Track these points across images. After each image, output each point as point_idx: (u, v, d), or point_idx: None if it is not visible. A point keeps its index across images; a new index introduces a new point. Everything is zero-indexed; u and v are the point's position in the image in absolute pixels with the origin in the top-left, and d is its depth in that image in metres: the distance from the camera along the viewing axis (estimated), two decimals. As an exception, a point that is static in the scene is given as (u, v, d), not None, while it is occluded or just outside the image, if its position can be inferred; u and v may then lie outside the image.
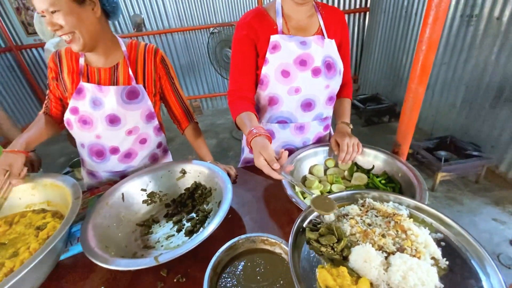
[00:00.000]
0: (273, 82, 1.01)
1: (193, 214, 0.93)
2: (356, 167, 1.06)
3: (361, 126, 3.79)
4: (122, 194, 0.95)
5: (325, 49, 1.01)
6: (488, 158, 2.39)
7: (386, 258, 0.58)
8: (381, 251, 0.59)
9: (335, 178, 1.00)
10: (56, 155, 3.92)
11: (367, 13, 4.46)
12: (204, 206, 0.94)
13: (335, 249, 0.59)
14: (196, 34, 4.44)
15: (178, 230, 0.88)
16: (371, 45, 4.39)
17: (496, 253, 1.85)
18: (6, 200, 0.93)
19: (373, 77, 4.45)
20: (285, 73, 0.99)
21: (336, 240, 0.60)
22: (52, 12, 0.82)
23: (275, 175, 0.75)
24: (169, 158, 1.29)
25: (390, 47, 3.91)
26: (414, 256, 0.57)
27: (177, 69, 4.68)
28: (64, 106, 1.10)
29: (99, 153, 1.10)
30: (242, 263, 0.69)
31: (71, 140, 2.07)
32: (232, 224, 0.89)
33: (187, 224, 0.89)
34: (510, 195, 2.34)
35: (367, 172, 1.04)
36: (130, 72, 1.02)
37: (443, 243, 0.64)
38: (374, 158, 1.05)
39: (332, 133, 1.25)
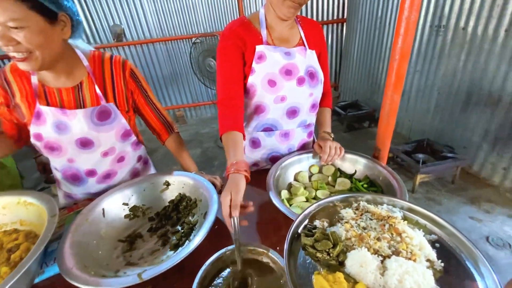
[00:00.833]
0: (260, 91, 1.03)
1: (178, 227, 0.91)
2: (339, 172, 1.08)
3: (343, 132, 3.89)
4: (103, 209, 0.91)
5: (307, 59, 1.05)
6: (462, 159, 2.52)
7: (382, 262, 0.58)
8: (376, 255, 0.59)
9: (319, 184, 1.02)
10: (29, 169, 3.71)
11: (344, 23, 4.66)
12: (190, 218, 0.92)
13: (331, 255, 0.59)
14: (178, 44, 4.42)
15: (163, 244, 0.85)
16: (349, 54, 4.57)
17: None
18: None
19: (352, 84, 4.61)
20: (272, 83, 1.01)
21: (332, 245, 0.60)
22: (15, 28, 0.71)
23: (227, 220, 0.72)
24: (151, 170, 1.26)
25: (367, 56, 4.09)
26: (409, 259, 0.57)
27: (159, 79, 4.63)
28: (21, 127, 0.97)
29: (75, 177, 1.02)
30: (230, 275, 0.67)
31: (39, 167, 1.93)
32: (219, 235, 0.87)
33: (172, 238, 0.87)
34: (484, 193, 2.47)
35: (350, 177, 1.06)
36: (98, 91, 0.93)
37: (437, 245, 0.64)
38: (356, 163, 1.08)
39: (316, 140, 1.28)
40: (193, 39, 3.46)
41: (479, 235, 2.07)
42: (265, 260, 0.70)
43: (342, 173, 1.08)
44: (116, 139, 0.99)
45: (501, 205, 2.32)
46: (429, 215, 0.70)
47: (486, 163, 2.56)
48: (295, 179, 1.09)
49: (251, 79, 1.02)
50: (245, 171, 0.81)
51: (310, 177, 1.10)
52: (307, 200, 0.96)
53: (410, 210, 0.73)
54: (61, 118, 0.89)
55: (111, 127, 0.96)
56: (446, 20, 2.72)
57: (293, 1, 0.89)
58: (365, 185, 0.99)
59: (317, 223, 0.69)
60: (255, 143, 1.18)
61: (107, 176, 1.06)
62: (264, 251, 0.69)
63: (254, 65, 1.00)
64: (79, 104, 0.92)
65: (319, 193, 0.98)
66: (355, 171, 1.07)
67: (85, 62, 0.93)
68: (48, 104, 0.90)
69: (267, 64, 1.00)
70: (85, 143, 0.94)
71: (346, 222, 0.68)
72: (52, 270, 0.78)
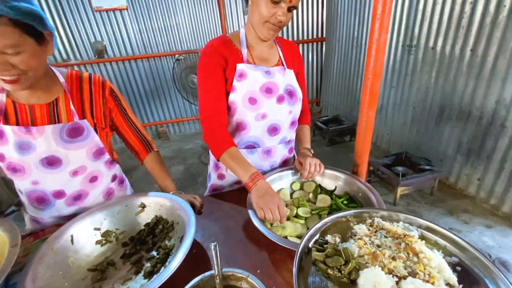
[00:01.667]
0: (241, 108, 1.03)
1: (154, 253, 0.86)
2: (320, 188, 1.08)
3: (325, 146, 3.96)
4: (71, 236, 0.85)
5: (286, 78, 1.08)
6: (439, 171, 2.62)
7: (397, 283, 0.54)
8: (391, 275, 0.55)
9: (300, 202, 1.01)
10: (-2, 192, 3.47)
11: (324, 42, 4.87)
12: (166, 242, 0.87)
13: (343, 272, 0.56)
14: (161, 60, 4.43)
15: (136, 272, 0.80)
16: (329, 71, 4.75)
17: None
18: None
19: (333, 100, 4.76)
20: (253, 100, 1.02)
21: (344, 262, 0.57)
22: (11, 53, 0.71)
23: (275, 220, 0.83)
24: (127, 190, 1.20)
25: (345, 73, 4.26)
26: (427, 281, 0.54)
27: (142, 95, 4.57)
28: None
29: (40, 200, 0.97)
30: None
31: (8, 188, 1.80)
32: (197, 260, 0.83)
33: (147, 265, 0.82)
34: (461, 204, 2.56)
35: (331, 193, 1.07)
36: (72, 107, 0.92)
37: (458, 268, 0.59)
38: (336, 179, 1.09)
39: (296, 156, 1.29)
40: (176, 56, 3.47)
41: (459, 245, 2.11)
42: (244, 286, 0.67)
43: (323, 190, 1.08)
44: (87, 157, 0.96)
45: (478, 216, 2.40)
46: (449, 236, 0.65)
47: (462, 175, 2.67)
48: (277, 197, 1.07)
49: (232, 97, 1.03)
50: (264, 177, 0.91)
51: (291, 194, 1.10)
52: (288, 219, 0.94)
53: (428, 229, 0.69)
54: (24, 138, 0.86)
55: (82, 144, 0.93)
56: (417, 40, 2.90)
57: (274, 24, 0.92)
58: (345, 202, 0.99)
59: (328, 238, 0.67)
60: (237, 161, 1.17)
61: (78, 197, 1.00)
62: (243, 276, 0.66)
63: (235, 83, 1.01)
64: (53, 120, 0.90)
65: (300, 211, 0.97)
66: (335, 187, 1.08)
67: (62, 79, 0.93)
68: (17, 122, 0.87)
69: (247, 82, 1.01)
70: (51, 162, 0.90)
71: (360, 239, 0.65)
72: (10, 307, 0.71)
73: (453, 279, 0.56)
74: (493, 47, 2.22)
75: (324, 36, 4.83)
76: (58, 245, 0.81)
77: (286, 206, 1.00)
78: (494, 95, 2.27)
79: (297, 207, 0.99)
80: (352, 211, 0.75)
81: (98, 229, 0.91)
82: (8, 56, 0.72)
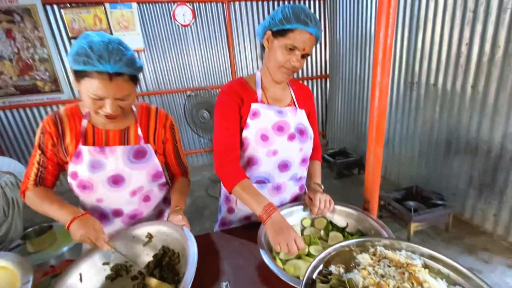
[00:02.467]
0: (253, 144, 1.08)
1: (163, 291, 0.84)
2: (331, 225, 1.07)
3: (334, 179, 3.92)
4: (80, 274, 0.85)
5: (297, 117, 1.14)
6: (452, 207, 2.53)
7: None
8: None
9: (312, 239, 1.00)
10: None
11: (327, 79, 5.09)
12: (172, 275, 0.86)
13: None
14: (173, 96, 4.66)
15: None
16: (333, 105, 4.88)
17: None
18: None
19: (339, 133, 4.82)
20: (264, 137, 1.07)
21: None
22: (122, 99, 0.87)
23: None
24: None
25: (350, 107, 4.38)
26: None
27: (152, 129, 4.72)
28: (59, 170, 1.03)
29: (102, 217, 1.06)
30: None
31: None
32: (207, 300, 0.81)
33: (156, 304, 0.80)
34: (479, 241, 2.43)
35: (342, 230, 1.05)
36: (139, 132, 1.04)
37: None
38: (347, 216, 1.08)
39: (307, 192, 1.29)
40: (188, 93, 3.66)
41: (482, 288, 1.97)
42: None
43: (334, 227, 1.07)
44: (146, 178, 1.06)
45: (498, 254, 2.27)
46: (452, 264, 0.65)
47: (476, 210, 2.58)
48: (287, 234, 1.06)
49: (245, 133, 1.08)
50: (277, 209, 0.92)
51: (302, 230, 1.08)
52: (300, 257, 0.92)
53: (431, 257, 0.69)
54: (97, 157, 0.97)
55: (144, 166, 1.04)
56: (418, 77, 3.01)
57: (288, 69, 1.01)
58: (357, 239, 0.97)
59: (332, 268, 0.66)
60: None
61: (133, 216, 1.09)
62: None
63: (249, 120, 1.07)
64: (123, 142, 1.03)
65: (312, 249, 0.95)
66: (347, 224, 1.07)
67: (134, 109, 1.07)
68: (94, 143, 0.98)
69: (261, 120, 1.07)
70: (116, 180, 0.99)
71: (363, 269, 0.65)
72: None
73: None
74: (493, 84, 2.28)
75: (327, 73, 5.06)
76: (65, 286, 0.80)
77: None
78: (499, 129, 2.28)
79: (309, 245, 0.98)
80: (355, 240, 0.75)
81: (108, 263, 0.91)
82: (120, 101, 0.88)
